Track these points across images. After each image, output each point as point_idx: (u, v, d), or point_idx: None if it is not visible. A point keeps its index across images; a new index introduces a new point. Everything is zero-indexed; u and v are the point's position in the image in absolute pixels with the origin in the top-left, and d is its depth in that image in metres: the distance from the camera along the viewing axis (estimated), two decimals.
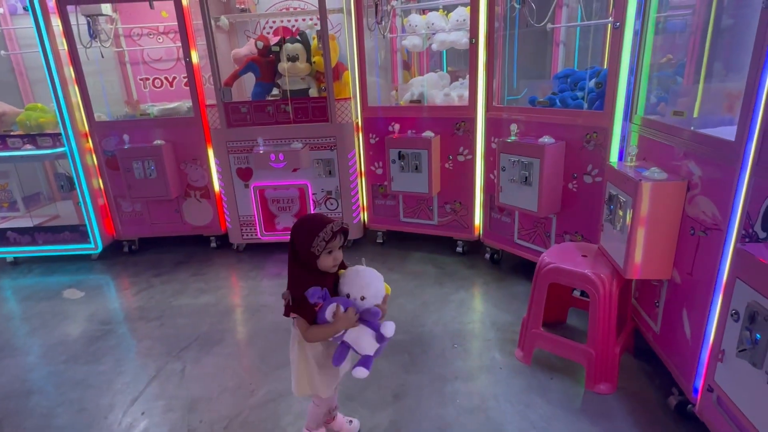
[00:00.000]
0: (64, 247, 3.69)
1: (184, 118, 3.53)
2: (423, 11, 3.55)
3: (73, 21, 3.27)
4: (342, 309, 1.41)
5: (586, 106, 2.50)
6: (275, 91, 3.45)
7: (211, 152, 3.55)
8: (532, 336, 2.17)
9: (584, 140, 2.46)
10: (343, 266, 1.51)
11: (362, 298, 1.45)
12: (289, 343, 1.57)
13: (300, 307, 1.40)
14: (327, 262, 1.42)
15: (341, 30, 3.50)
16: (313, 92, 3.41)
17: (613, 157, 2.32)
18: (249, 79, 3.54)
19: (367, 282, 1.46)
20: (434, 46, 3.46)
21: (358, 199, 3.59)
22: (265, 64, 3.40)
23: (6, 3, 3.64)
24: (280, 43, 3.34)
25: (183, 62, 3.41)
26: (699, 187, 1.65)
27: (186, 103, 3.58)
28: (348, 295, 1.46)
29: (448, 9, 3.39)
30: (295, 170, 3.43)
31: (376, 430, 1.85)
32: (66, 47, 3.32)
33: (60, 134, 3.38)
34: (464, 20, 3.14)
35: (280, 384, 2.13)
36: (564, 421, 1.85)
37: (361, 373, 1.44)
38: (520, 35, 3.01)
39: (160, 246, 3.89)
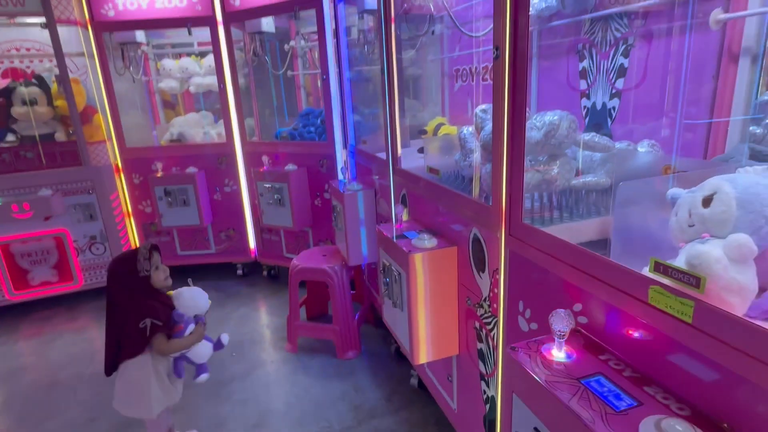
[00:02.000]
0: None
1: None
2: (177, 56, 3.79)
3: None
4: (201, 327, 1.73)
5: (317, 138, 3.14)
6: (11, 137, 3.20)
7: None
8: (294, 328, 2.63)
9: (319, 165, 3.09)
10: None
11: (195, 316, 1.72)
12: (122, 379, 1.67)
13: (164, 328, 1.61)
14: (159, 276, 1.66)
15: (86, 73, 3.46)
16: (60, 136, 3.29)
17: (339, 176, 2.99)
18: None
19: (197, 301, 1.75)
20: (192, 89, 3.74)
21: (128, 240, 3.56)
22: None
23: None
24: (12, 86, 3.13)
25: None
26: (379, 192, 2.36)
27: None
28: (182, 315, 1.70)
29: (202, 54, 3.72)
30: (47, 218, 3.22)
31: None
32: None
33: None
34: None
35: None
36: (319, 386, 2.34)
37: (205, 377, 1.80)
38: (274, 78, 3.53)
39: None
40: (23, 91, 3.15)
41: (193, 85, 3.72)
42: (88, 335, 3.04)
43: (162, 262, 1.72)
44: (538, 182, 1.27)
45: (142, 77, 3.64)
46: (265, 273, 3.68)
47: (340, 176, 2.69)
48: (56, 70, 3.17)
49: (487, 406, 1.49)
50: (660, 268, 0.75)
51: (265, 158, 3.22)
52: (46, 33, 3.05)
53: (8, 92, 3.17)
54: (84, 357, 2.76)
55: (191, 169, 3.40)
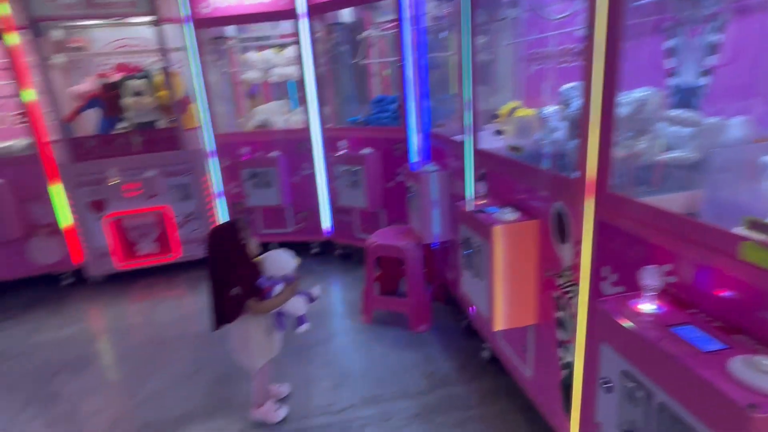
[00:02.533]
0: None
1: (21, 156, 3.48)
2: (260, 48, 4.08)
3: None
4: (291, 285, 1.92)
5: (391, 123, 3.29)
6: (123, 124, 3.62)
7: (57, 188, 3.54)
8: (369, 300, 2.81)
9: (393, 149, 3.24)
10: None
11: (284, 276, 1.92)
12: (231, 336, 1.92)
13: (253, 293, 1.82)
14: (253, 246, 1.87)
15: (182, 66, 3.83)
16: (161, 124, 3.67)
17: (413, 158, 3.12)
18: (94, 114, 3.64)
19: (285, 259, 1.95)
20: (273, 79, 4.01)
21: (215, 219, 3.91)
22: (109, 99, 3.56)
23: None
24: (123, 80, 3.55)
25: (13, 101, 3.38)
26: (454, 173, 2.47)
27: (21, 142, 3.53)
28: (272, 276, 1.89)
29: (282, 46, 3.98)
30: (152, 197, 3.63)
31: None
32: None
33: None
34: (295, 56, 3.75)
35: (159, 384, 2.41)
36: (394, 355, 2.50)
37: (305, 327, 1.97)
38: (349, 67, 3.72)
39: (2, 290, 3.67)
40: (132, 84, 3.55)
41: (274, 75, 3.99)
42: (185, 301, 3.41)
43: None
44: (625, 156, 1.32)
45: (229, 69, 3.97)
46: (337, 252, 3.91)
47: (415, 158, 2.82)
48: (160, 64, 3.55)
49: (565, 371, 1.57)
50: (755, 225, 0.81)
51: (341, 142, 3.42)
52: (150, 31, 3.43)
53: (119, 85, 3.59)
54: (183, 320, 3.11)
55: (274, 153, 3.67)
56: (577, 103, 1.34)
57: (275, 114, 3.93)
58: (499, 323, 1.70)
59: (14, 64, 3.26)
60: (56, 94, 3.36)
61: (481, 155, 2.10)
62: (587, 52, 1.23)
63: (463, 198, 2.38)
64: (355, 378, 2.34)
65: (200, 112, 3.78)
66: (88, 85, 3.61)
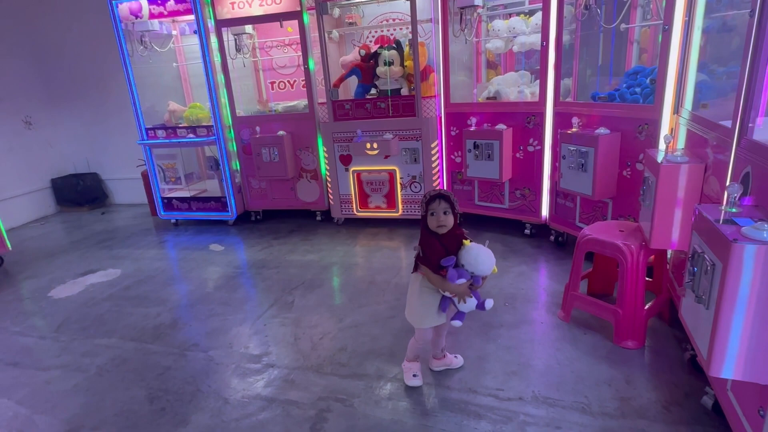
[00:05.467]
0: (210, 213, 4.78)
1: (301, 113, 4.37)
2: (507, 16, 3.96)
3: (224, 38, 4.27)
4: (467, 285, 1.85)
5: (641, 100, 2.76)
6: (373, 91, 4.12)
7: (320, 141, 4.35)
8: (570, 297, 2.54)
9: (637, 131, 2.73)
10: (463, 237, 1.91)
11: (473, 275, 1.86)
12: (409, 283, 2.07)
13: (426, 258, 1.88)
14: (431, 223, 1.84)
15: (431, 37, 4.05)
16: (404, 91, 4.02)
17: (660, 144, 2.57)
18: (352, 81, 4.26)
19: (482, 262, 1.84)
20: (515, 48, 3.86)
21: (438, 184, 4.12)
22: (366, 68, 4.09)
23: (178, 27, 4.81)
24: (379, 50, 4.00)
25: (302, 68, 4.23)
26: (710, 168, 1.93)
27: (302, 102, 4.42)
28: (462, 265, 1.86)
29: (531, 13, 3.76)
30: (386, 157, 4.07)
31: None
32: (218, 59, 4.34)
33: (212, 126, 4.43)
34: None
35: (360, 317, 2.78)
36: (585, 363, 2.22)
37: (457, 324, 1.95)
38: (604, 34, 3.28)
39: (277, 217, 4.82)
40: (385, 54, 3.97)
41: (516, 44, 3.82)
42: (399, 254, 3.78)
43: (454, 212, 1.85)
44: None
45: (473, 39, 3.99)
46: (552, 238, 3.63)
47: (661, 145, 2.32)
48: (410, 36, 3.84)
49: None
50: None
51: (575, 120, 3.07)
52: (407, 5, 3.71)
53: (375, 55, 4.05)
54: (393, 269, 3.46)
55: (500, 126, 3.59)
56: None
57: (510, 85, 3.80)
58: (721, 370, 1.30)
59: (304, 39, 4.05)
60: (329, 64, 4.05)
61: (750, 149, 1.57)
62: None
63: (718, 201, 1.86)
64: (533, 372, 2.19)
65: (438, 82, 3.96)
66: (352, 56, 4.21)
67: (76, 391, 2.31)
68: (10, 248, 4.14)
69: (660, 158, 2.13)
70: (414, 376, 2.15)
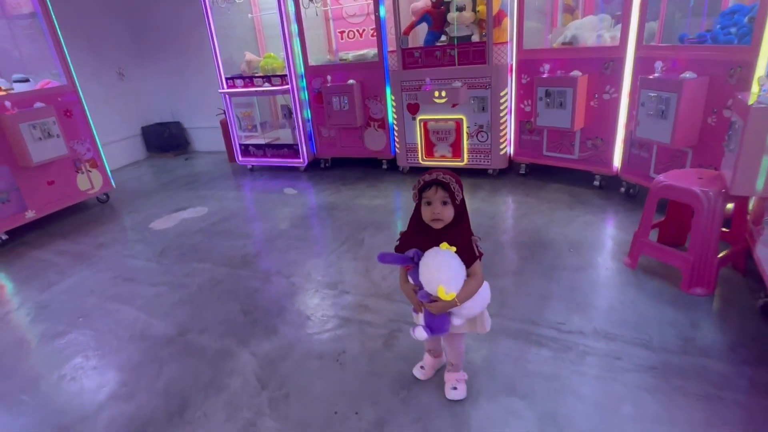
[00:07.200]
0: (283, 160, 5.08)
1: (371, 62, 4.45)
2: None
3: None
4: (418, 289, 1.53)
5: (736, 41, 2.58)
6: (443, 38, 4.10)
7: (388, 90, 4.43)
8: (639, 243, 2.55)
9: (728, 75, 2.58)
10: (462, 237, 1.52)
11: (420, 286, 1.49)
12: None
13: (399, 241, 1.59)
14: (425, 214, 1.48)
15: None
16: (475, 38, 3.97)
17: (753, 87, 2.42)
18: (422, 29, 4.24)
19: (423, 273, 1.46)
20: None
21: (506, 133, 4.10)
22: (437, 14, 4.05)
23: None
24: None
25: (372, 17, 4.27)
26: None
27: (372, 51, 4.48)
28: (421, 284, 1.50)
29: None
30: (454, 106, 4.09)
31: (495, 290, 2.53)
32: (292, 9, 4.46)
33: (286, 75, 4.63)
34: None
35: None
36: (650, 306, 2.26)
37: (417, 336, 1.55)
38: None
39: (346, 165, 5.04)
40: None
41: None
42: None
43: (455, 203, 1.49)
44: None
45: None
46: (623, 190, 3.55)
47: (754, 87, 2.20)
48: None
49: None
50: None
51: (658, 64, 2.93)
52: None
53: (447, 2, 3.99)
54: None
55: (575, 73, 3.48)
56: None
57: (588, 30, 3.63)
58: None
59: None
60: (400, 11, 4.05)
61: None
62: None
63: None
64: (596, 310, 2.27)
65: (511, 27, 3.86)
66: (423, 2, 4.18)
67: (181, 303, 2.70)
68: (114, 186, 4.69)
69: (751, 101, 2.04)
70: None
